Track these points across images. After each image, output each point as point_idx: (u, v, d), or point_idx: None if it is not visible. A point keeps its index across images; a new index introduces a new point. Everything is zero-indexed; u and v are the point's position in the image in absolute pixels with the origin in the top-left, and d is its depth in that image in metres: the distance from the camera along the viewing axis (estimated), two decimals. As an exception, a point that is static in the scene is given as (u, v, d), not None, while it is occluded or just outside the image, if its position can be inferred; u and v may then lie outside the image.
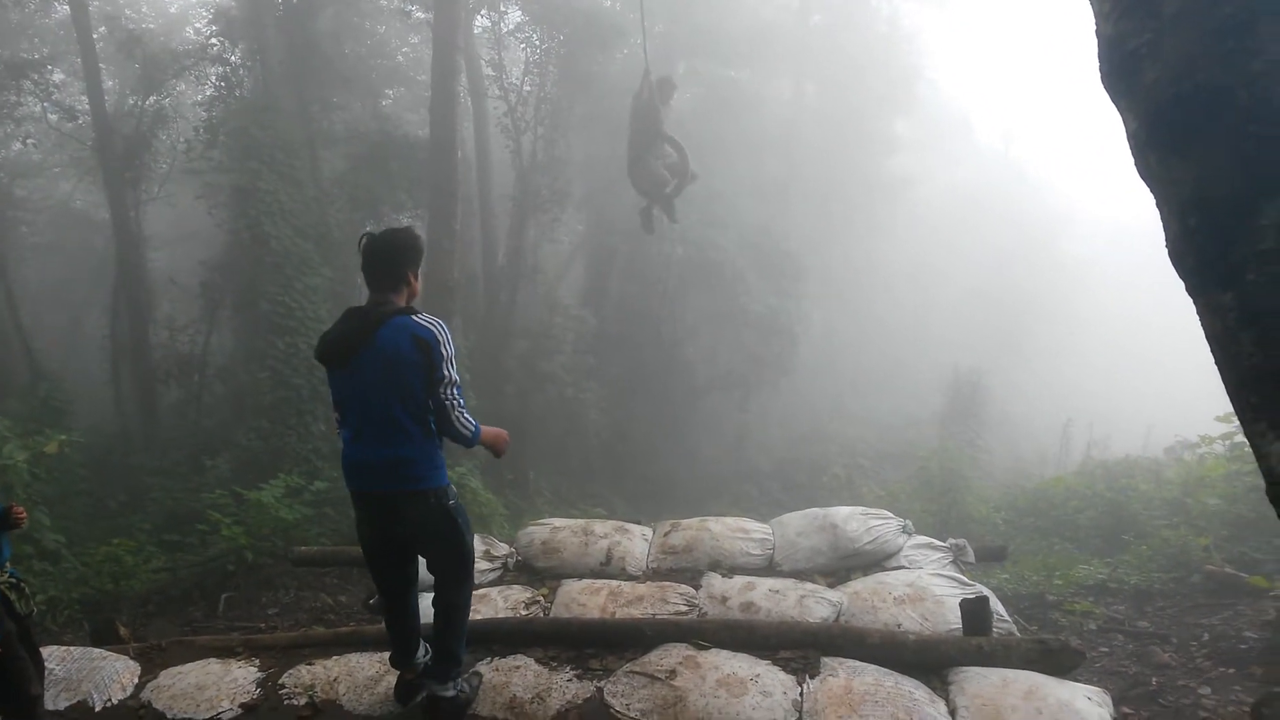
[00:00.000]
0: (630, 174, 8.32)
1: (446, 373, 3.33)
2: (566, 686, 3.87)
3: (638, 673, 3.84)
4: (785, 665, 3.83)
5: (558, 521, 6.21)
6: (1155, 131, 2.11)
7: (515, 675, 3.98)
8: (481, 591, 5.41)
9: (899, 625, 4.44)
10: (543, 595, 5.38)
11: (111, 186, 13.65)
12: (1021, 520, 9.43)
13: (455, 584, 3.63)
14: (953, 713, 3.48)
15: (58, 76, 16.01)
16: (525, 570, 5.85)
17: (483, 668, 4.09)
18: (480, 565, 5.85)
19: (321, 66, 13.99)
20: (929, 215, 25.27)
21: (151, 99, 14.07)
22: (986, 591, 4.82)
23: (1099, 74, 2.29)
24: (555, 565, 5.74)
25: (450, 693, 3.61)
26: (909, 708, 3.42)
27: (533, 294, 15.40)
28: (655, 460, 15.41)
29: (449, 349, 3.35)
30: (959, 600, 4.54)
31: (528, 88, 15.23)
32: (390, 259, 3.44)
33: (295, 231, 11.56)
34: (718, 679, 3.69)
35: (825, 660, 3.83)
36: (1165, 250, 2.15)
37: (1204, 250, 2.02)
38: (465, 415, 3.43)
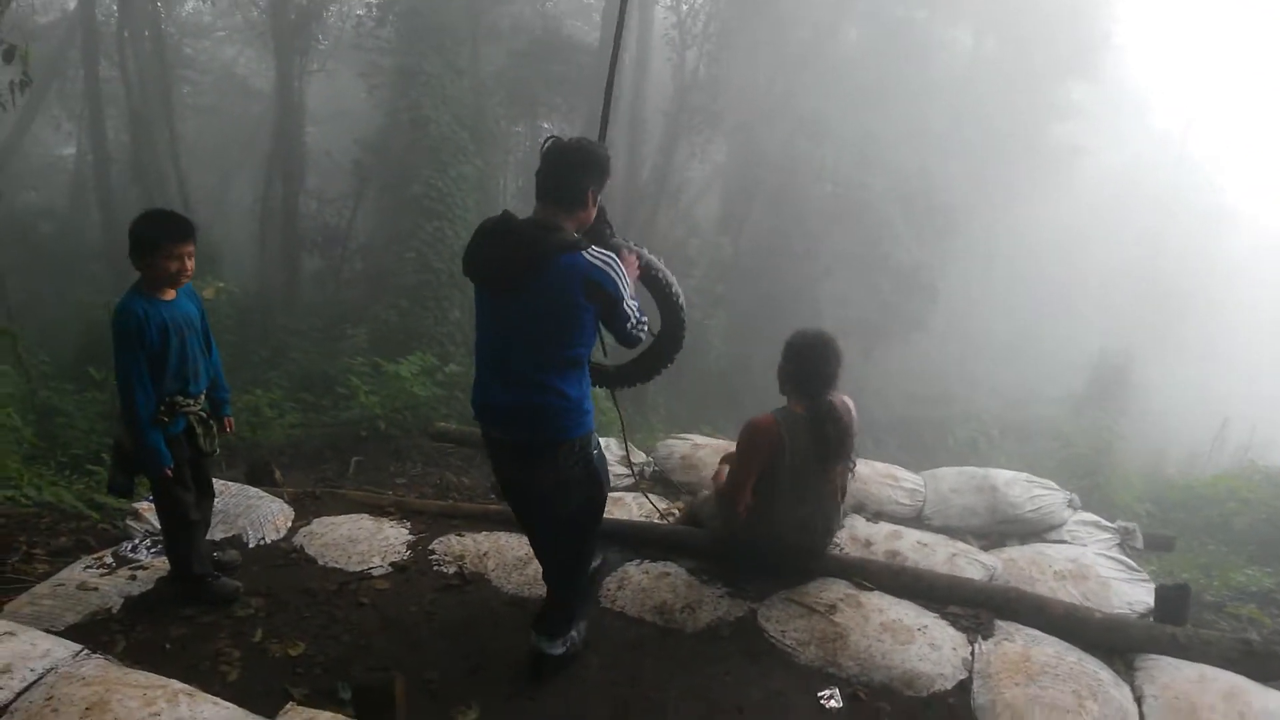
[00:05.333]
0: None
1: (627, 310, 2.94)
2: (718, 602, 3.74)
3: (795, 601, 3.68)
4: (954, 621, 3.60)
5: (699, 439, 6.09)
6: None
7: (664, 582, 3.88)
8: (618, 495, 5.35)
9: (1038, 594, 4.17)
10: (678, 509, 5.27)
11: (280, 54, 13.90)
12: (1168, 514, 8.86)
13: (583, 536, 3.28)
14: (1139, 700, 3.20)
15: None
16: (661, 482, 5.77)
17: (632, 568, 4.00)
18: (617, 469, 5.79)
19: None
20: (1087, 190, 23.79)
21: (328, -29, 14.19)
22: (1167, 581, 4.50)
23: None
24: (692, 481, 5.63)
25: (559, 650, 3.28)
26: (1092, 687, 3.15)
27: (674, 214, 15.14)
28: (772, 397, 15.09)
29: (626, 285, 2.92)
30: (1148, 585, 4.26)
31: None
32: (577, 172, 2.92)
33: (454, 119, 11.56)
34: (882, 622, 3.49)
35: (1000, 624, 3.58)
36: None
37: None
38: (642, 324, 3.06)
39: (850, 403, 3.75)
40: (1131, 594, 4.38)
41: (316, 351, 10.61)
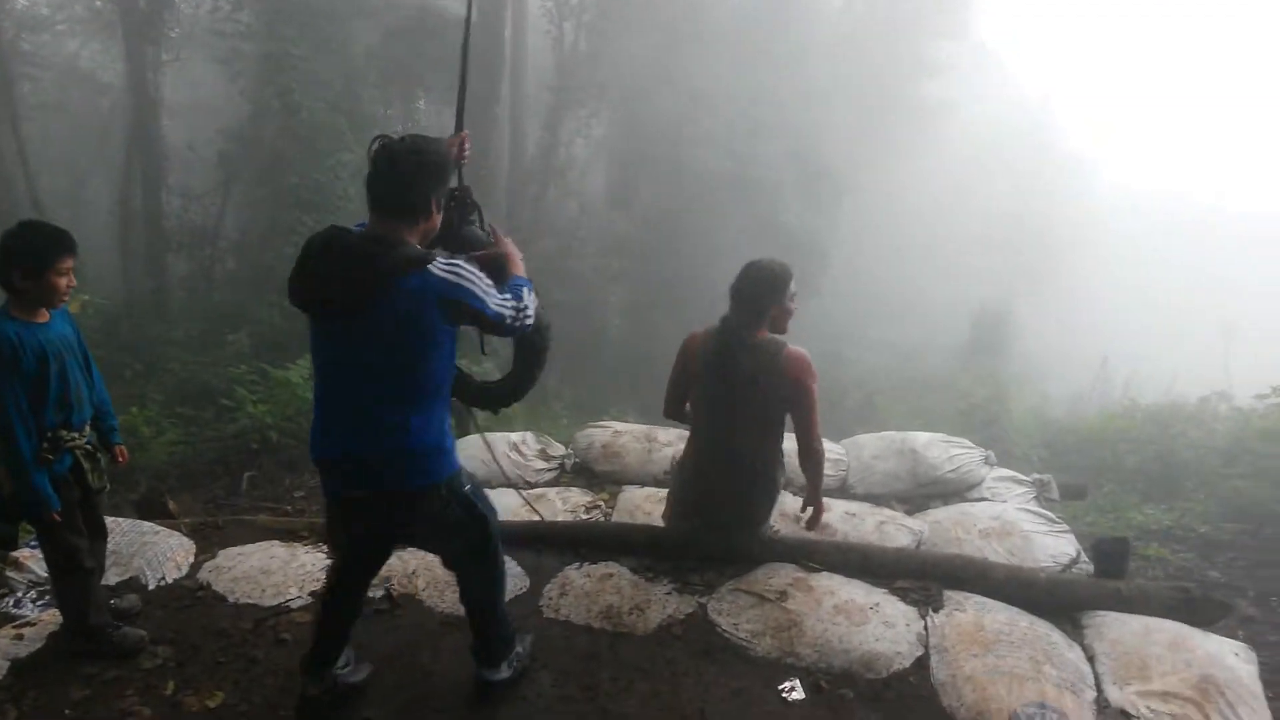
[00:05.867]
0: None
1: (498, 309, 2.57)
2: (666, 600, 3.59)
3: (744, 591, 3.56)
4: (904, 596, 3.54)
5: (619, 425, 5.93)
6: None
7: (609, 584, 3.70)
8: (539, 492, 5.18)
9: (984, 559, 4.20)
10: (603, 500, 5.13)
11: (130, 45, 12.89)
12: (1060, 459, 9.21)
13: (485, 576, 2.95)
14: (1091, 659, 3.21)
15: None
16: (583, 473, 5.58)
17: (572, 572, 3.82)
18: (536, 464, 5.62)
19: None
20: (958, 145, 24.63)
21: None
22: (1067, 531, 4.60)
23: None
24: (616, 470, 5.47)
25: (505, 674, 3.04)
26: (1047, 651, 3.14)
27: (564, 191, 14.84)
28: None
29: (485, 284, 2.55)
30: (1069, 536, 4.35)
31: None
32: (413, 177, 2.52)
33: (328, 104, 10.97)
34: (834, 605, 3.41)
35: (949, 594, 3.54)
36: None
37: None
38: (525, 310, 2.71)
39: (797, 354, 3.64)
40: (1054, 547, 4.46)
41: (194, 361, 9.92)
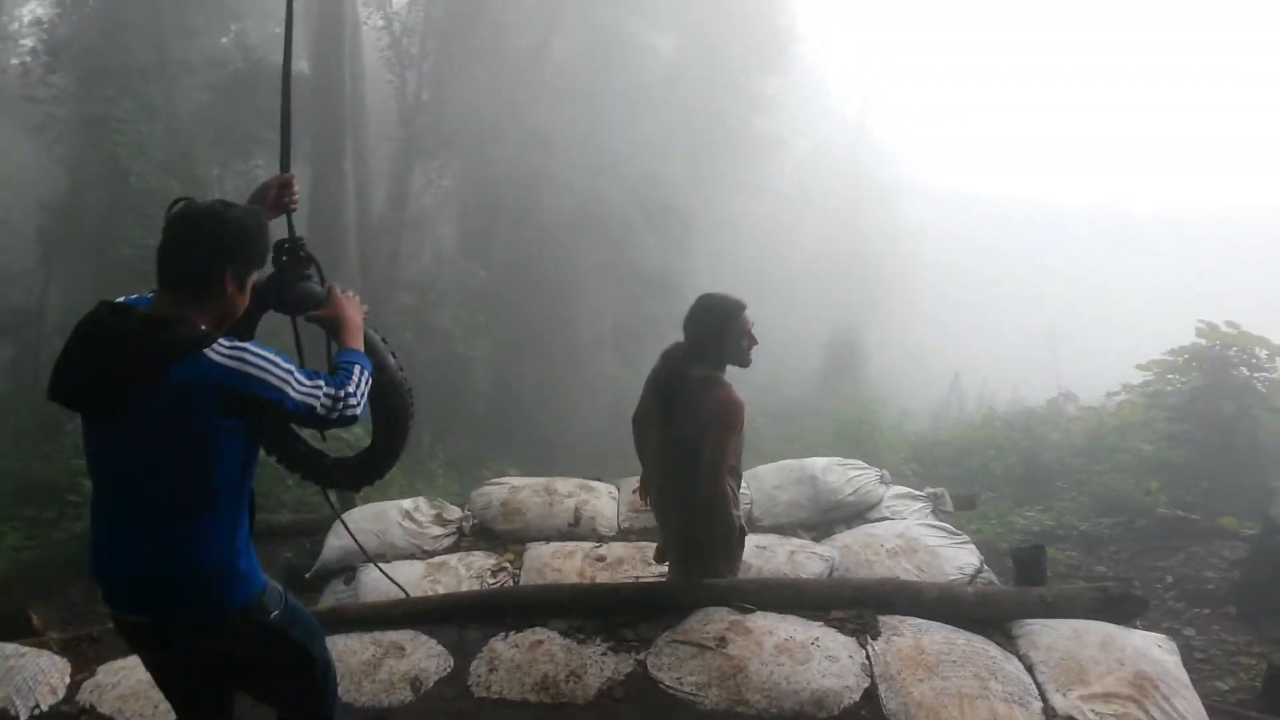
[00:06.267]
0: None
1: (303, 398, 2.17)
2: (603, 661, 3.48)
3: (681, 641, 3.50)
4: (841, 626, 3.57)
5: (516, 480, 5.81)
6: None
7: (539, 651, 3.56)
8: (440, 559, 5.01)
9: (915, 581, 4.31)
10: (509, 561, 5.00)
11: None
12: (932, 472, 9.61)
13: (310, 710, 2.53)
14: (1030, 669, 3.32)
15: None
16: (484, 535, 5.42)
17: (499, 644, 3.64)
18: (433, 531, 5.40)
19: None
20: (795, 176, 25.73)
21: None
22: (967, 544, 4.78)
23: None
24: (518, 528, 5.34)
25: None
26: (989, 666, 3.24)
27: (419, 244, 14.51)
28: (545, 421, 14.93)
29: (279, 368, 2.13)
30: (970, 547, 4.54)
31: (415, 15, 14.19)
32: (205, 247, 2.17)
33: (159, 168, 10.33)
34: (775, 644, 3.39)
35: (883, 619, 3.59)
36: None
37: None
38: (349, 400, 2.28)
39: (724, 397, 3.60)
40: (959, 558, 4.64)
41: (30, 455, 9.05)
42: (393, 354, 3.02)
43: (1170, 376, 7.84)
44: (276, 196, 2.74)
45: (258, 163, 12.78)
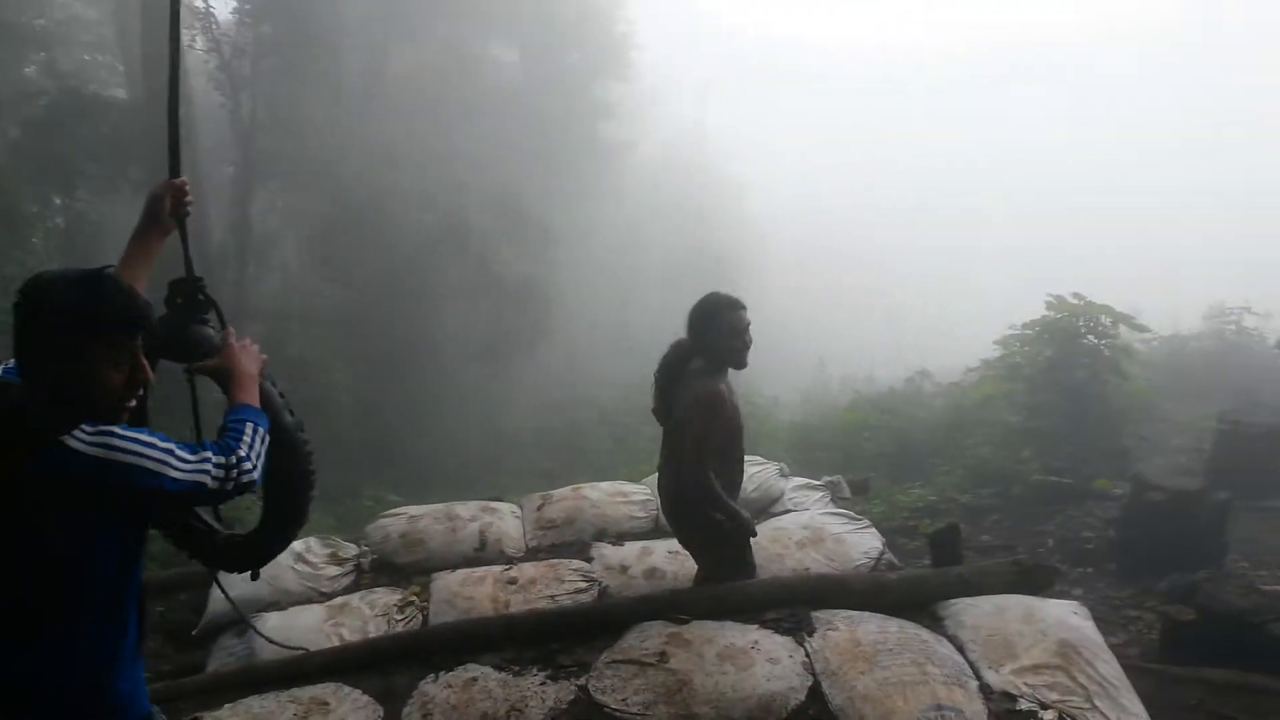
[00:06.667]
0: None
1: (185, 478, 1.86)
2: (543, 691, 3.33)
3: (621, 661, 3.40)
4: (776, 627, 3.55)
5: (414, 509, 5.53)
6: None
7: (475, 689, 3.36)
8: (340, 601, 4.68)
9: (807, 569, 4.36)
10: (415, 594, 4.75)
11: None
12: (809, 456, 9.84)
13: None
14: (960, 649, 3.38)
15: None
16: (385, 569, 5.11)
17: (429, 686, 3.44)
18: (329, 572, 5.08)
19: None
20: (645, 178, 26.11)
21: None
22: (866, 525, 4.91)
23: None
24: (421, 559, 5.07)
25: None
26: (924, 651, 3.28)
27: (267, 271, 13.79)
28: (417, 443, 14.48)
29: (156, 450, 1.83)
30: (873, 531, 4.66)
31: (244, 35, 13.49)
32: (26, 334, 1.79)
33: (-30, 210, 9.39)
34: (716, 653, 3.35)
35: (815, 615, 3.60)
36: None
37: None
38: (244, 465, 2.00)
39: (702, 391, 3.69)
40: (864, 543, 4.75)
41: None
42: (290, 410, 2.71)
43: (1025, 349, 8.31)
44: (175, 205, 2.52)
45: (81, 196, 11.87)
